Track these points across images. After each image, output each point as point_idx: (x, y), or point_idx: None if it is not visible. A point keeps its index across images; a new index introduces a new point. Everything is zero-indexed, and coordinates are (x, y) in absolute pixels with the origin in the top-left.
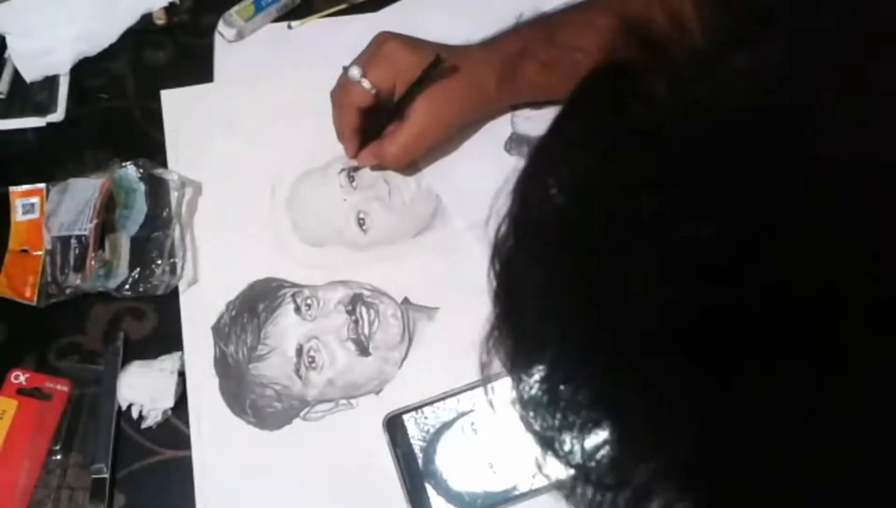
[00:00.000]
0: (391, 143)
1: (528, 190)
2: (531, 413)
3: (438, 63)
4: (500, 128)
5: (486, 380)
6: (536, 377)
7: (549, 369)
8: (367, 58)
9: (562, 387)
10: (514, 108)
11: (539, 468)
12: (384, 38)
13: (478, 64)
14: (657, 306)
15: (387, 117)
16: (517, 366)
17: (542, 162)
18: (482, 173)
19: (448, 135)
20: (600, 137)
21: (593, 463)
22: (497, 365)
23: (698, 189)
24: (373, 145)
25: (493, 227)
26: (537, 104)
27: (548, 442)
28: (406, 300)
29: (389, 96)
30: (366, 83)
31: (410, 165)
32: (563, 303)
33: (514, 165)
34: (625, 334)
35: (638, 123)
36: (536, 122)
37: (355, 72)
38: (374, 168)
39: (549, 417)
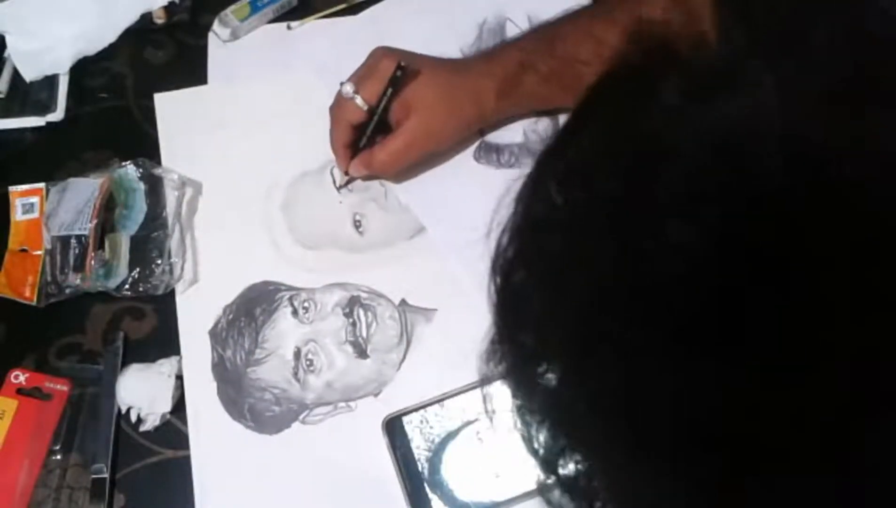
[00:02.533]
0: (381, 150)
1: (531, 197)
2: (532, 433)
3: (399, 69)
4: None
5: (485, 394)
6: (538, 398)
7: (551, 390)
8: (361, 74)
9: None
10: None
11: (540, 489)
12: (379, 55)
13: (477, 76)
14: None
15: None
16: (518, 385)
17: (548, 168)
18: (452, 182)
19: (440, 146)
20: (613, 143)
21: (594, 486)
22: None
23: (716, 202)
24: (363, 154)
25: (493, 238)
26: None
27: (548, 465)
28: (404, 302)
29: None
30: (358, 100)
31: (401, 175)
32: (567, 322)
33: (483, 173)
34: (636, 356)
35: (653, 130)
36: (505, 129)
37: (348, 88)
38: (364, 179)
39: (551, 439)
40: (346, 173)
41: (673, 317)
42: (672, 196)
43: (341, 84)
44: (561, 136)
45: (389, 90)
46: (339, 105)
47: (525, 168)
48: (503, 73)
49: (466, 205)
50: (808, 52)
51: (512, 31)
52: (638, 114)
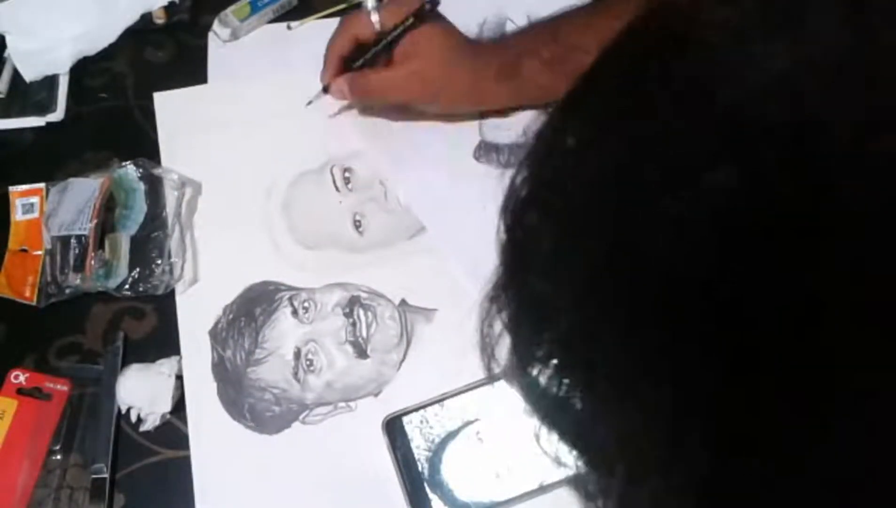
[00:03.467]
0: (375, 73)
1: (550, 138)
2: (534, 390)
3: (429, 3)
4: (469, 136)
5: (488, 361)
6: (542, 349)
7: (557, 341)
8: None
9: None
10: (483, 116)
11: (545, 452)
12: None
13: (482, 57)
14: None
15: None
16: (522, 331)
17: (571, 110)
18: (452, 181)
19: (427, 101)
20: (644, 84)
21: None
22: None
23: (751, 153)
24: (354, 74)
25: (508, 176)
26: (505, 112)
27: (551, 420)
28: (404, 302)
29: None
30: (375, 16)
31: (377, 109)
32: (578, 266)
33: (483, 172)
34: (644, 308)
35: (690, 72)
36: (505, 130)
37: (371, 2)
38: (337, 98)
39: (554, 393)
40: (325, 89)
41: (683, 261)
42: (703, 141)
43: None
44: (587, 75)
45: (411, 19)
46: (350, 16)
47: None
48: (504, 56)
49: (466, 204)
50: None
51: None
52: (676, 52)
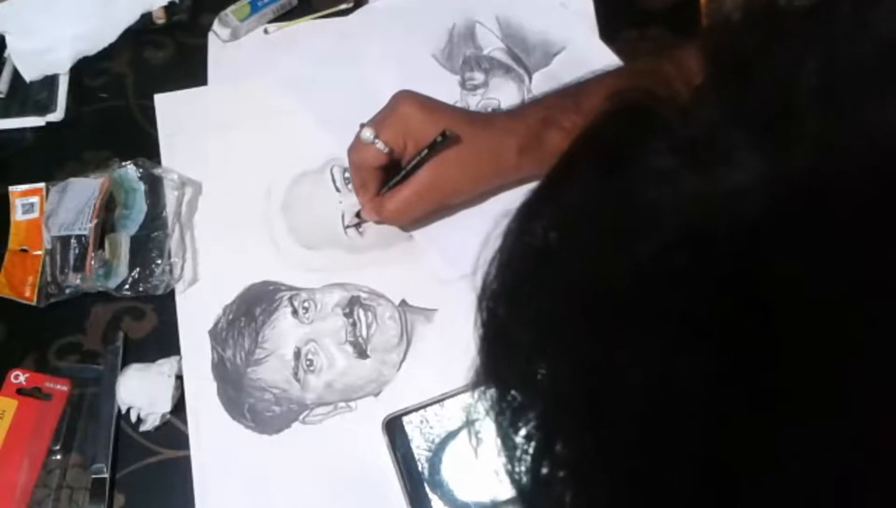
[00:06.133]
0: (390, 199)
1: (518, 232)
2: (515, 467)
3: (444, 139)
4: None
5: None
6: (521, 432)
7: (533, 432)
8: (382, 118)
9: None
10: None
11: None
12: (401, 99)
13: (499, 132)
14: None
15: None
16: (500, 418)
17: (533, 213)
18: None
19: (452, 199)
20: (595, 199)
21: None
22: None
23: (686, 280)
24: (374, 200)
25: (480, 275)
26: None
27: (526, 497)
28: (404, 302)
29: (401, 155)
30: (379, 144)
31: (415, 224)
32: (553, 364)
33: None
34: (619, 419)
35: (655, 165)
36: None
37: (367, 134)
38: (377, 222)
39: (533, 473)
40: (358, 216)
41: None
42: (649, 260)
43: (361, 126)
44: (545, 186)
45: (425, 151)
46: (357, 150)
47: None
48: (526, 129)
49: (464, 221)
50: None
51: (482, 34)
52: (621, 171)
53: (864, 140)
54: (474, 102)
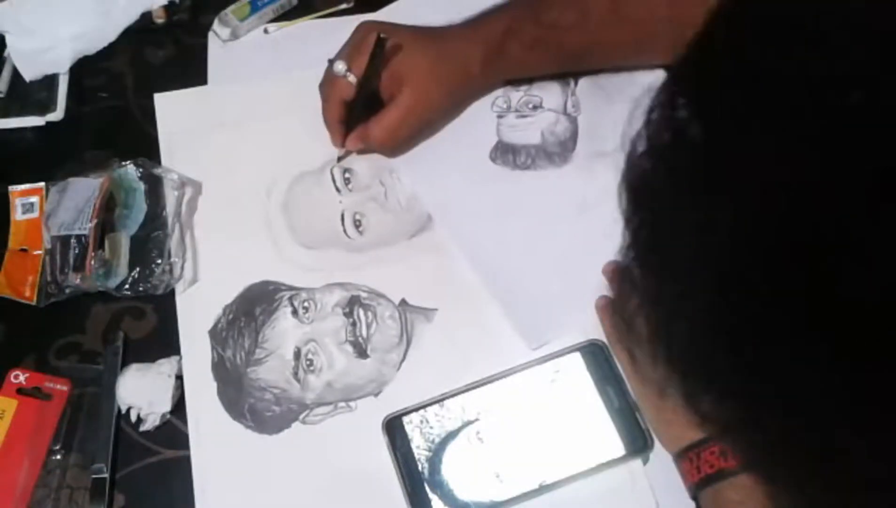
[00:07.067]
0: (376, 125)
1: (665, 107)
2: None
3: (380, 42)
4: (486, 137)
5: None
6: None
7: (701, 314)
8: (350, 50)
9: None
10: (500, 116)
11: None
12: (365, 29)
13: (462, 43)
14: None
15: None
16: (661, 308)
17: (680, 84)
18: (468, 183)
19: (433, 115)
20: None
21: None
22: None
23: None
24: (359, 129)
25: (625, 147)
26: (523, 113)
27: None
28: (404, 302)
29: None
30: (350, 77)
31: (397, 149)
32: (716, 238)
33: (499, 174)
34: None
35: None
36: (522, 130)
37: (340, 66)
38: (360, 152)
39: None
40: (339, 158)
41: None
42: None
43: (330, 61)
44: (693, 50)
45: (371, 64)
46: (330, 83)
47: (541, 170)
48: (488, 40)
49: (483, 207)
50: None
51: None
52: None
53: None
54: (516, 97)
